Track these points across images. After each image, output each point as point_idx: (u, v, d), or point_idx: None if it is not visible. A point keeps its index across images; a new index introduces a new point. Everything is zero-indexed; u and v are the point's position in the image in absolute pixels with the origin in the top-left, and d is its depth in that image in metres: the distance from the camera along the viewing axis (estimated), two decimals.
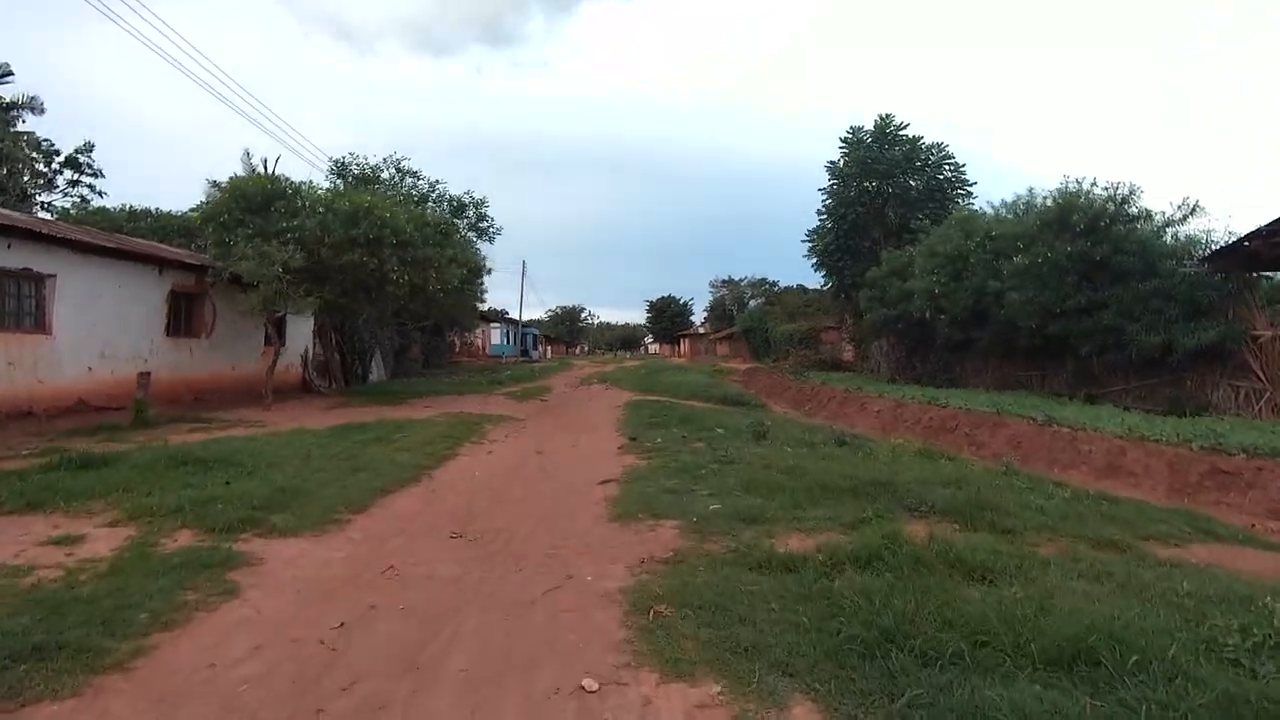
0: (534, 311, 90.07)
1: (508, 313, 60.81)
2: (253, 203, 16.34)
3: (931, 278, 20.52)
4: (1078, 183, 16.68)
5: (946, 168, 29.33)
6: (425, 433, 11.68)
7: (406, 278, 16.12)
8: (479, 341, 55.26)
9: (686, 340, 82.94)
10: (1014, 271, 16.84)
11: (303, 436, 10.50)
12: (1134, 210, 16.43)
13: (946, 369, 23.66)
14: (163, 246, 18.87)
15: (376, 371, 29.97)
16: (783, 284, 73.08)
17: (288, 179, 16.97)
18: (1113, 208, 16.16)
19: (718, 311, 79.52)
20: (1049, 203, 17.17)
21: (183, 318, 16.89)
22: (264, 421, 13.71)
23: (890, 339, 26.64)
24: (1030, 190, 19.19)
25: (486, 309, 57.67)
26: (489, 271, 28.99)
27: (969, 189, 29.19)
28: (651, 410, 16.72)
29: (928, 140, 29.25)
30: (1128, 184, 16.47)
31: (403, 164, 33.79)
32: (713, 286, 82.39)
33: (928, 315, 21.70)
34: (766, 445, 10.36)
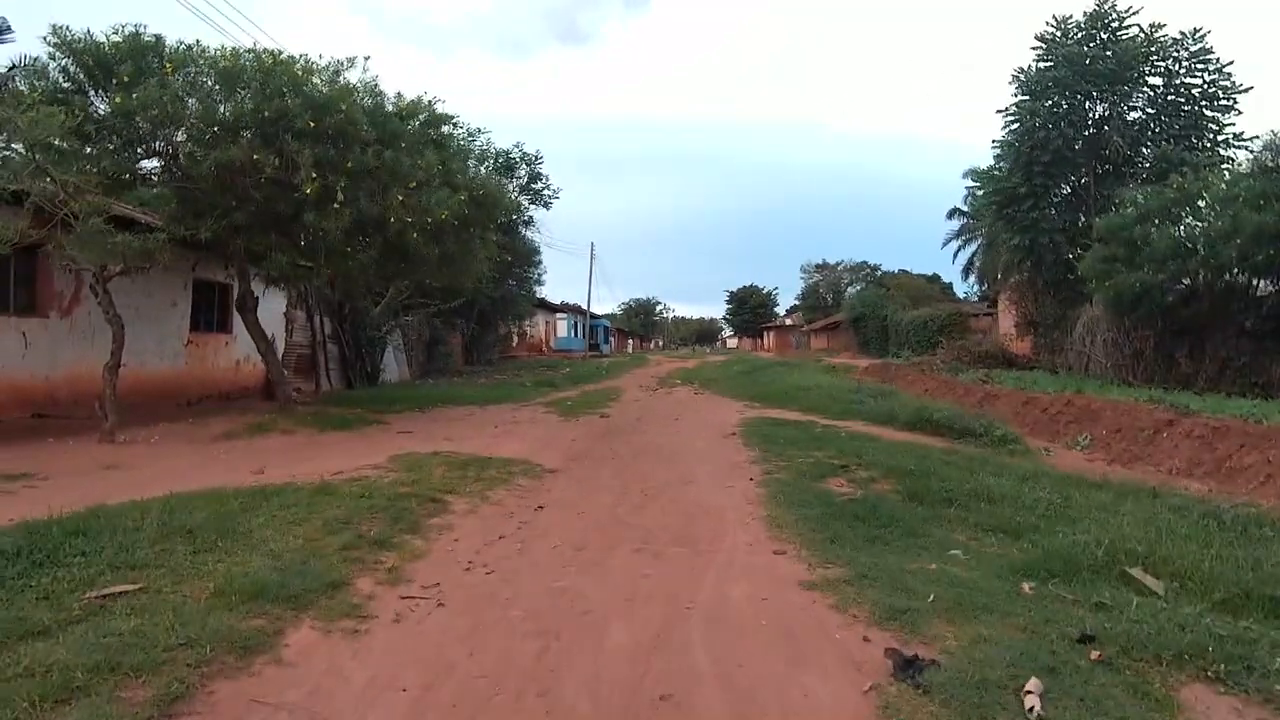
0: (606, 305, 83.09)
1: (576, 304, 53.49)
2: (87, 70, 9.18)
3: None
4: None
5: (1200, 72, 19.47)
6: (248, 560, 4.01)
7: (341, 198, 8.49)
8: (541, 334, 48.13)
9: (772, 333, 74.03)
10: None
11: None
12: None
13: (1252, 369, 14.55)
14: None
15: (394, 369, 22.97)
16: (884, 269, 63.62)
17: (155, 35, 9.52)
18: None
19: (810, 300, 70.08)
20: None
21: (10, 285, 10.60)
22: (48, 475, 6.55)
23: (1125, 322, 17.50)
24: None
25: (560, 303, 50.64)
26: (517, 215, 21.24)
27: (1233, 100, 19.28)
28: (814, 456, 8.59)
29: (1170, 31, 19.37)
30: None
31: (436, 106, 26.74)
32: (804, 272, 72.79)
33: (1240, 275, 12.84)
34: None
